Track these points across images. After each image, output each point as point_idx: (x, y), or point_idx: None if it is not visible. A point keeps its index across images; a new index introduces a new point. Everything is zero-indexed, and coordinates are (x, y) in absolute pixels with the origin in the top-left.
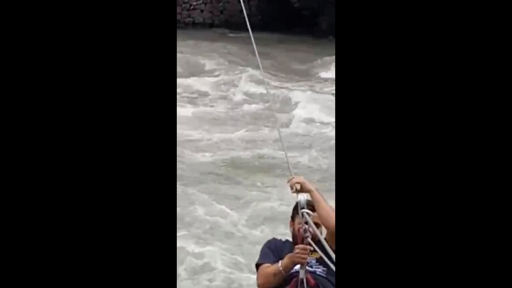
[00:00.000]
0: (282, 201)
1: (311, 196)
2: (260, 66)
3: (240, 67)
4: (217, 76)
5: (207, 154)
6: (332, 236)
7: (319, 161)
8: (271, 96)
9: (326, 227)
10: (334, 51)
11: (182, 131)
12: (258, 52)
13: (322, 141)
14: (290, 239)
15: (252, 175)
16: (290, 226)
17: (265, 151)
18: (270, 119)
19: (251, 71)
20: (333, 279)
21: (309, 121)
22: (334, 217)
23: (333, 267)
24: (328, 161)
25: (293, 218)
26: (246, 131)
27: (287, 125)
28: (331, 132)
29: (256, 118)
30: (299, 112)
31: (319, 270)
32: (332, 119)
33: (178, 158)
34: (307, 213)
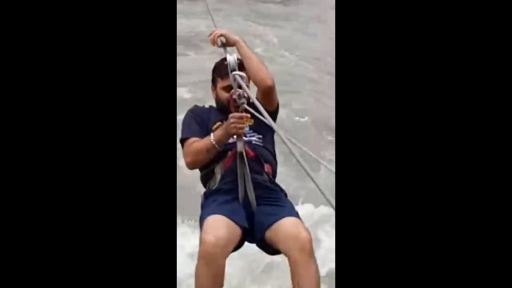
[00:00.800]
0: None
1: (238, 49)
2: None
3: None
4: None
5: None
6: (265, 95)
7: None
8: None
9: (259, 86)
10: None
11: None
12: None
13: None
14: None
15: None
16: (212, 92)
17: None
18: None
19: None
20: (270, 147)
21: None
22: (267, 73)
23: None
24: None
25: (214, 81)
26: None
27: None
28: None
29: None
30: None
31: (254, 139)
32: None
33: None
34: (239, 75)
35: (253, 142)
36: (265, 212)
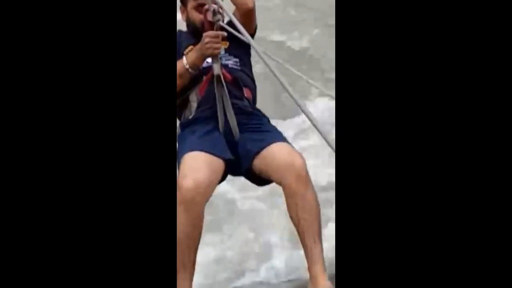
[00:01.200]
0: None
1: None
2: None
3: None
4: None
5: None
6: (244, 17)
7: None
8: None
9: (239, 7)
10: None
11: None
12: None
13: None
14: None
15: None
16: (182, 13)
17: None
18: None
19: None
20: (248, 71)
21: None
22: None
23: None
24: None
25: (184, 1)
26: None
27: None
28: None
29: None
30: None
31: (231, 62)
32: None
33: None
34: None
35: (230, 65)
36: (250, 139)
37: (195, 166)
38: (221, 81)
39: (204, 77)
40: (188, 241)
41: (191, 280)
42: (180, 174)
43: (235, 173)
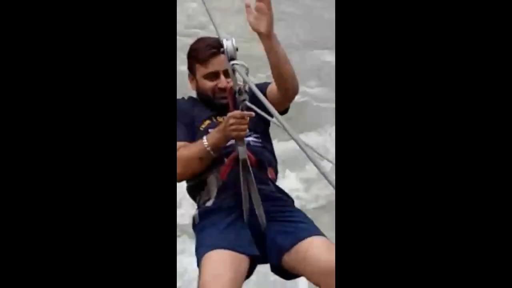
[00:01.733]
0: None
1: (267, 40)
2: None
3: None
4: None
5: None
6: (285, 103)
7: None
8: None
9: (285, 94)
10: None
11: None
12: None
13: None
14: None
15: None
16: (191, 81)
17: None
18: None
19: None
20: (269, 146)
21: None
22: (297, 80)
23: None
24: None
25: (192, 69)
26: None
27: None
28: None
29: None
30: None
31: (252, 139)
32: None
33: None
34: (241, 65)
35: (251, 143)
36: (280, 231)
37: (218, 271)
38: (247, 165)
39: (226, 160)
40: None
41: None
42: (203, 278)
43: (260, 263)
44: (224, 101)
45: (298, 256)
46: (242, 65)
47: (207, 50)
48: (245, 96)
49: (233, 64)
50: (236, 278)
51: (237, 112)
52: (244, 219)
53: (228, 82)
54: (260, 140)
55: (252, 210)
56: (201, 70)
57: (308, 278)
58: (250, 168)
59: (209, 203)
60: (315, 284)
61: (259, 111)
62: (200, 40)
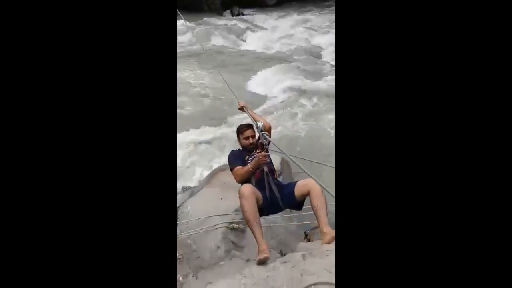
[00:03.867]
0: None
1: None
2: None
3: None
4: None
5: None
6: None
7: None
8: None
9: (268, 128)
10: None
11: None
12: None
13: None
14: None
15: None
16: (239, 141)
17: None
18: None
19: None
20: (271, 161)
21: None
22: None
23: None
24: None
25: (238, 135)
26: None
27: None
28: None
29: None
30: None
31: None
32: None
33: None
34: (265, 134)
35: (267, 164)
36: (285, 190)
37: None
38: (268, 174)
39: (257, 171)
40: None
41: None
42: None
43: (274, 211)
44: (252, 147)
45: (298, 187)
46: (265, 134)
47: (245, 127)
48: (267, 146)
49: (262, 133)
50: (255, 191)
51: (263, 153)
52: (266, 194)
53: (255, 140)
54: (269, 159)
55: (271, 192)
56: (242, 135)
57: (305, 193)
58: (269, 174)
59: None
60: (307, 192)
61: (281, 149)
62: (241, 124)
